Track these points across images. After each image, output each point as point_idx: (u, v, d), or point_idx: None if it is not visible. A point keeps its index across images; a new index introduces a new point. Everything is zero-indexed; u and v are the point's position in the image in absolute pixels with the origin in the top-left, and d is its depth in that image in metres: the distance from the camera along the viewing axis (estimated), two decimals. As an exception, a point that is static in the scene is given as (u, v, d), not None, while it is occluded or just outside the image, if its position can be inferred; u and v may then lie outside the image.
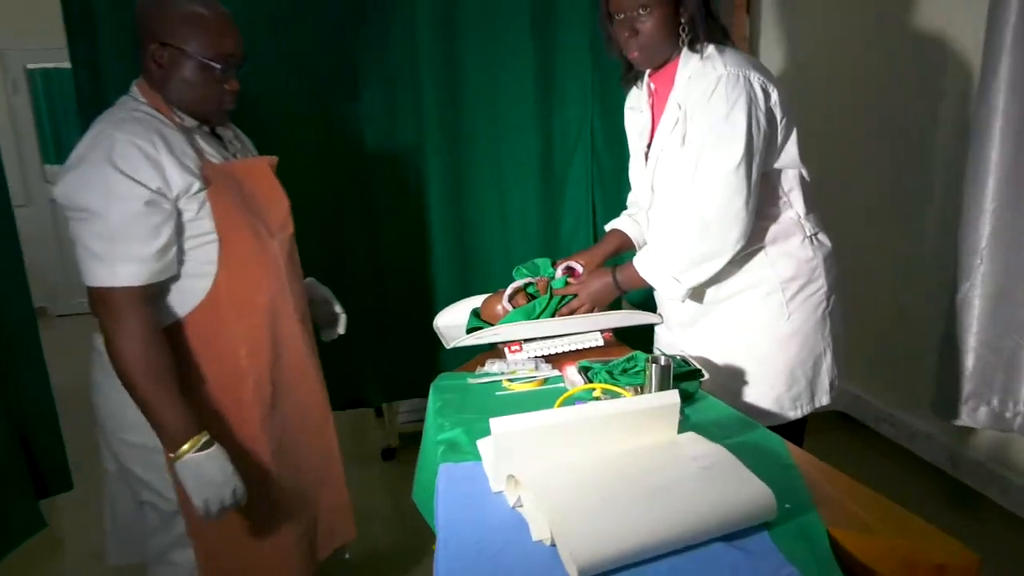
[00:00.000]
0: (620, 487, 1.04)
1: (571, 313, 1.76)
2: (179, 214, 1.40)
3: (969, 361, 2.23)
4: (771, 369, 1.68)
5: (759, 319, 1.67)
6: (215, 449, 1.40)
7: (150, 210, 1.35)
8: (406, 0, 2.39)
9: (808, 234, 1.67)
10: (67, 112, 5.81)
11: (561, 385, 1.58)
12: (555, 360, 1.72)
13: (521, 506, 1.10)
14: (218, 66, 1.43)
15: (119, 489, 1.59)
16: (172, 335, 1.44)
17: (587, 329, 1.76)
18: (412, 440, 2.99)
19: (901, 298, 2.72)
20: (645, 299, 1.98)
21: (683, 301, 1.67)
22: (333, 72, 2.37)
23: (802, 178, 1.64)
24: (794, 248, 1.65)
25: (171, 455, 1.38)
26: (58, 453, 2.22)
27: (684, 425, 1.22)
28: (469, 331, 1.71)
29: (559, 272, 1.84)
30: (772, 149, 1.58)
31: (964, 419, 2.27)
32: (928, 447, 2.66)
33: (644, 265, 1.67)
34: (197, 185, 1.40)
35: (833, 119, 2.88)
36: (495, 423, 1.09)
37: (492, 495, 1.16)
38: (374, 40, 2.38)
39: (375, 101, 2.42)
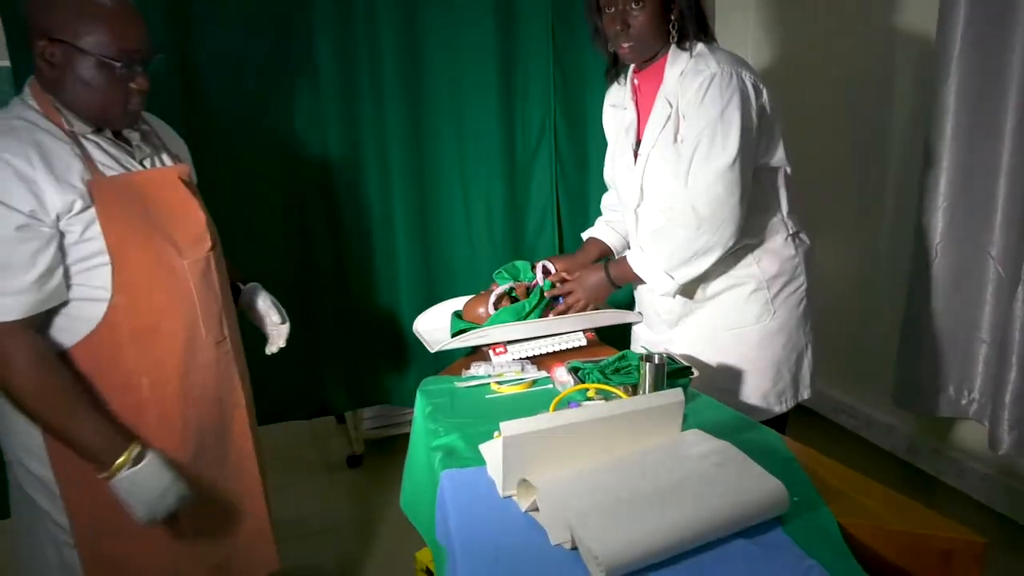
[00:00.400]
0: (636, 488, 1.04)
1: (567, 310, 1.75)
2: (61, 236, 1.26)
3: (926, 353, 2.32)
4: (758, 365, 1.70)
5: (746, 316, 1.69)
6: (149, 458, 1.32)
7: (23, 235, 1.22)
8: None
9: (791, 232, 1.70)
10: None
11: (550, 387, 1.57)
12: (540, 361, 1.71)
13: (535, 510, 1.08)
14: (119, 63, 1.28)
15: (21, 521, 1.47)
16: (64, 364, 1.31)
17: (572, 329, 1.76)
18: (377, 447, 2.95)
19: (859, 292, 2.80)
20: (628, 301, 1.98)
21: (673, 297, 1.68)
22: (293, 73, 2.31)
23: (787, 176, 1.67)
24: (778, 246, 1.68)
25: (103, 475, 1.29)
26: None
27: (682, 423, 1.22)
28: (454, 334, 1.68)
29: (539, 274, 1.83)
30: (762, 147, 1.60)
31: (922, 407, 2.36)
32: (886, 436, 2.75)
33: (637, 261, 1.67)
34: (80, 203, 1.26)
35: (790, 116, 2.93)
36: (505, 427, 1.07)
37: (500, 500, 1.14)
38: (334, 39, 2.33)
39: (337, 102, 2.37)
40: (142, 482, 1.30)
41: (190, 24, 2.17)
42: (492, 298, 1.77)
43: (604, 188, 2.76)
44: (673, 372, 1.48)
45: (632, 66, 1.72)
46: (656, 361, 1.39)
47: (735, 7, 3.08)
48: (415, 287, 2.56)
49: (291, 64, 2.30)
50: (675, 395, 1.18)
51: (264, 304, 1.66)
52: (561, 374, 1.56)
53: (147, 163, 1.43)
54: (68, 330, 1.33)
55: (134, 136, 1.42)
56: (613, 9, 1.57)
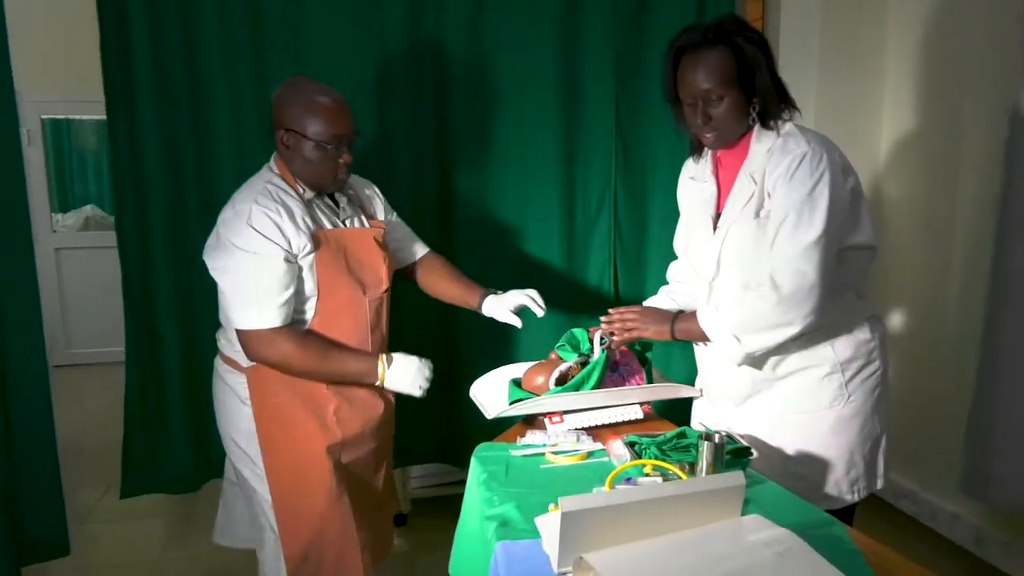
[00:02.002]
0: (695, 573, 1.02)
1: (626, 333, 1.73)
2: (300, 269, 1.73)
3: (996, 440, 2.23)
4: (831, 452, 1.65)
5: (819, 400, 1.65)
6: (396, 358, 1.81)
7: (286, 266, 1.69)
8: (440, 58, 2.49)
9: (867, 315, 1.67)
10: (73, 162, 5.87)
11: (605, 459, 1.56)
12: (595, 433, 1.70)
13: (591, 590, 1.07)
14: (330, 146, 1.73)
15: (230, 485, 1.98)
16: (273, 369, 1.77)
17: (629, 401, 1.75)
18: (424, 505, 2.94)
19: (925, 372, 2.72)
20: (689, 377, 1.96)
21: (739, 365, 1.64)
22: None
23: (871, 258, 1.64)
24: (855, 329, 1.64)
25: (377, 384, 1.80)
26: (57, 517, 2.16)
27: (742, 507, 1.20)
28: (512, 402, 1.69)
29: (596, 345, 1.82)
30: (848, 228, 1.58)
31: (992, 499, 2.26)
32: (951, 526, 2.63)
33: (708, 319, 1.63)
34: (308, 247, 1.72)
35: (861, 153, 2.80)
36: (564, 502, 1.06)
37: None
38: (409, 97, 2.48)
39: (408, 155, 2.50)
40: (400, 372, 1.80)
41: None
42: (555, 374, 1.77)
43: (661, 258, 2.82)
44: (733, 452, 1.46)
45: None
46: (716, 440, 1.38)
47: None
48: (472, 350, 2.60)
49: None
50: (736, 478, 1.17)
51: (516, 296, 1.98)
52: (617, 447, 1.55)
53: (348, 222, 1.88)
54: None
55: (343, 199, 1.89)
56: (692, 102, 1.58)
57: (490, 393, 1.78)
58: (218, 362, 1.90)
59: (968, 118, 2.49)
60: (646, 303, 1.98)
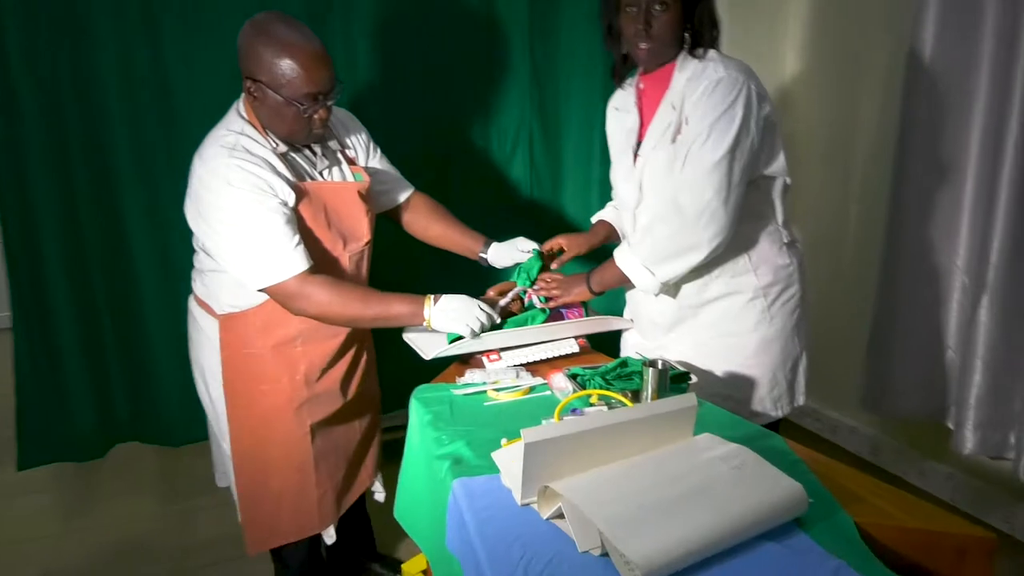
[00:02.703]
0: (660, 493, 1.04)
1: (553, 302, 1.80)
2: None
3: (894, 358, 2.39)
4: (755, 372, 1.73)
5: (743, 324, 1.71)
6: (443, 298, 1.66)
7: (283, 214, 1.57)
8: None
9: (786, 241, 1.73)
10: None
11: (548, 393, 1.57)
12: (533, 368, 1.70)
13: (558, 517, 1.07)
14: (303, 105, 1.55)
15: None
16: (246, 319, 1.71)
17: (567, 335, 1.76)
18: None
19: (824, 298, 2.87)
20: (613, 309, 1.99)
21: (656, 295, 1.69)
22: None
23: (785, 186, 1.70)
24: (774, 255, 1.71)
25: (425, 323, 1.67)
26: None
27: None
28: (452, 341, 1.66)
29: (535, 302, 1.83)
30: (763, 157, 1.62)
31: (890, 410, 2.44)
32: (850, 438, 2.83)
33: (622, 257, 1.68)
34: (292, 199, 1.60)
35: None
36: (526, 434, 1.06)
37: (519, 508, 1.12)
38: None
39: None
40: (445, 310, 1.65)
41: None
42: (510, 296, 1.79)
43: (577, 193, 2.84)
44: (673, 377, 1.49)
45: (639, 70, 1.73)
46: (659, 366, 1.40)
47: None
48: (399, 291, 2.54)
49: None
50: (689, 399, 1.19)
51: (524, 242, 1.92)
52: (559, 380, 1.55)
53: (325, 173, 1.73)
54: (252, 296, 1.67)
55: (319, 147, 1.72)
56: (635, 8, 1.57)
57: (423, 335, 1.74)
58: (192, 303, 1.81)
59: (868, 55, 2.60)
60: (594, 217, 2.00)
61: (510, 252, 1.90)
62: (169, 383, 2.51)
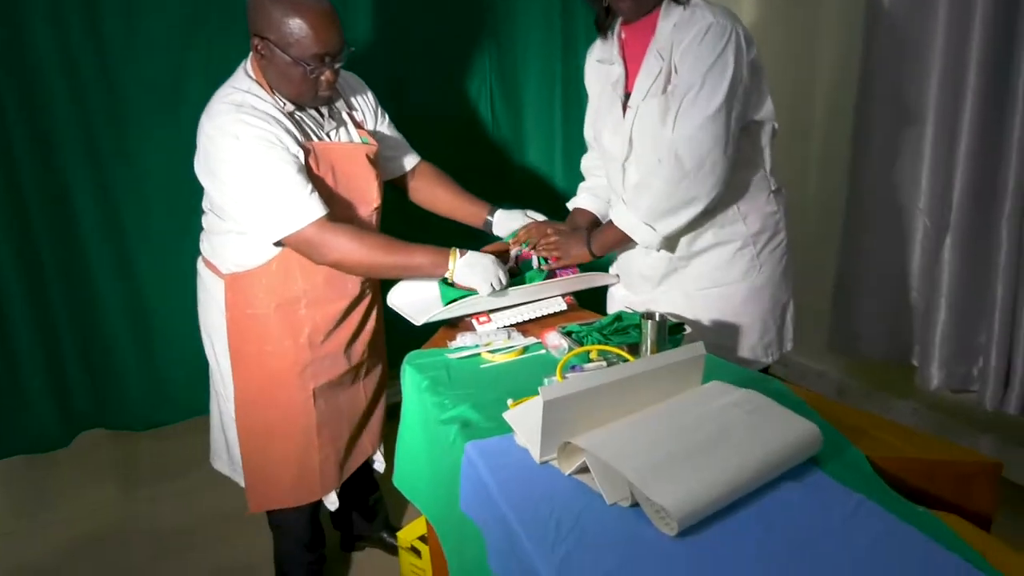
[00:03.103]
0: (682, 441, 1.05)
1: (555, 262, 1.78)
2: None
3: (861, 300, 2.46)
4: (745, 320, 1.74)
5: (733, 273, 1.72)
6: (468, 254, 1.65)
7: (294, 164, 1.55)
8: None
9: (772, 188, 1.74)
10: None
11: (542, 352, 1.56)
12: (523, 328, 1.69)
13: (582, 472, 1.07)
14: (311, 66, 1.53)
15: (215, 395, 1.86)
16: (250, 279, 1.68)
17: (554, 294, 1.75)
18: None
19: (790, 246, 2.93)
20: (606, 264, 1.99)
21: (657, 250, 1.69)
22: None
23: (774, 131, 1.71)
24: (761, 203, 1.72)
25: (448, 275, 1.65)
26: None
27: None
28: (449, 302, 1.63)
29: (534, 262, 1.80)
30: (752, 102, 1.62)
31: (858, 352, 2.51)
32: (818, 382, 2.92)
33: (620, 216, 1.67)
34: (303, 154, 1.58)
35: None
36: (544, 391, 1.05)
37: (538, 467, 1.12)
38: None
39: None
40: (471, 264, 1.64)
41: None
42: (515, 252, 1.78)
43: (540, 149, 2.82)
44: (669, 328, 1.50)
45: (619, 20, 1.70)
46: (657, 319, 1.40)
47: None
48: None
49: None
50: (697, 348, 1.20)
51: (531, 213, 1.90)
52: (553, 338, 1.54)
53: (332, 134, 1.71)
54: (259, 254, 1.67)
55: (326, 108, 1.69)
56: None
57: (410, 302, 1.71)
58: (200, 265, 1.80)
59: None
60: (571, 204, 1.96)
61: (517, 220, 1.88)
62: (130, 366, 2.43)
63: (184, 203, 2.06)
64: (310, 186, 1.57)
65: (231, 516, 2.01)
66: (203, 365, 1.88)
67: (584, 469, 1.06)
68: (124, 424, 2.55)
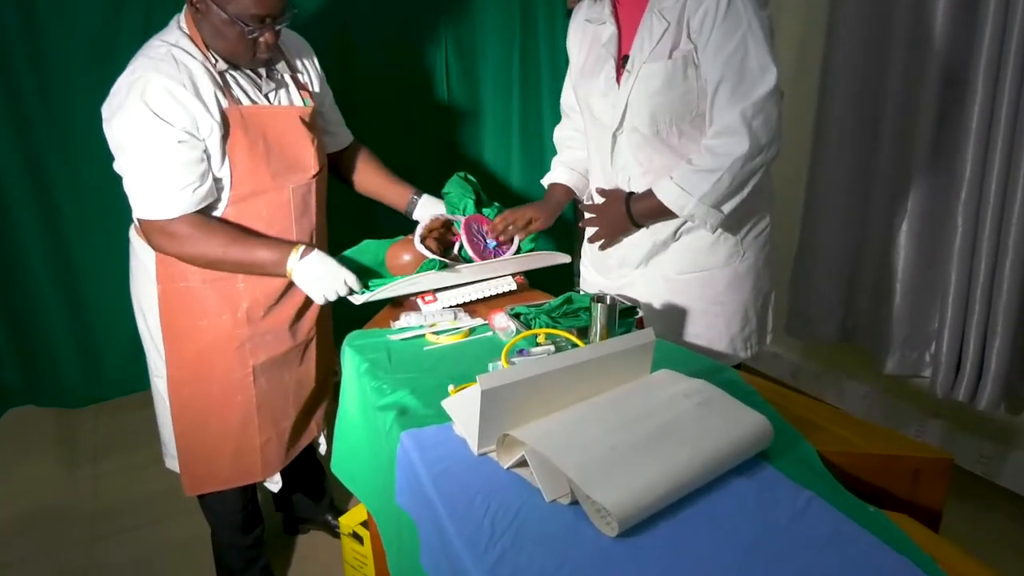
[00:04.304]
0: (627, 434, 0.99)
1: (593, 241, 1.68)
2: (207, 152, 1.50)
3: (816, 285, 2.45)
4: (727, 309, 1.65)
5: (715, 258, 1.63)
6: (314, 254, 1.56)
7: (181, 148, 1.45)
8: None
9: None
10: None
11: (489, 334, 1.49)
12: (471, 308, 1.62)
13: (521, 466, 1.01)
14: (249, 26, 1.45)
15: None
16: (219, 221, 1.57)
17: (504, 272, 1.68)
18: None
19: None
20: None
21: (714, 232, 1.56)
22: None
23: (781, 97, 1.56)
24: None
25: (287, 276, 1.56)
26: None
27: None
28: (376, 288, 1.55)
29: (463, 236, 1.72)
30: None
31: (813, 335, 2.50)
32: (772, 364, 2.91)
33: (673, 195, 1.51)
34: (218, 129, 1.49)
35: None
36: (482, 380, 0.98)
37: (475, 459, 1.06)
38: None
39: None
40: (309, 269, 1.55)
41: None
42: (418, 233, 1.67)
43: (496, 123, 2.73)
44: (620, 312, 1.44)
45: None
46: (608, 302, 1.34)
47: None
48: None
49: None
50: (647, 335, 1.15)
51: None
52: (501, 320, 1.48)
53: (271, 96, 1.61)
54: None
55: (263, 71, 1.59)
56: None
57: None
58: (132, 233, 1.69)
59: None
60: (546, 180, 1.85)
61: (439, 208, 1.80)
62: (61, 340, 2.30)
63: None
64: (190, 178, 1.48)
65: (174, 494, 1.92)
66: (139, 339, 1.78)
67: (524, 463, 1.00)
68: (57, 400, 2.43)
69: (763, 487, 0.98)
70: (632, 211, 1.59)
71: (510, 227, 1.72)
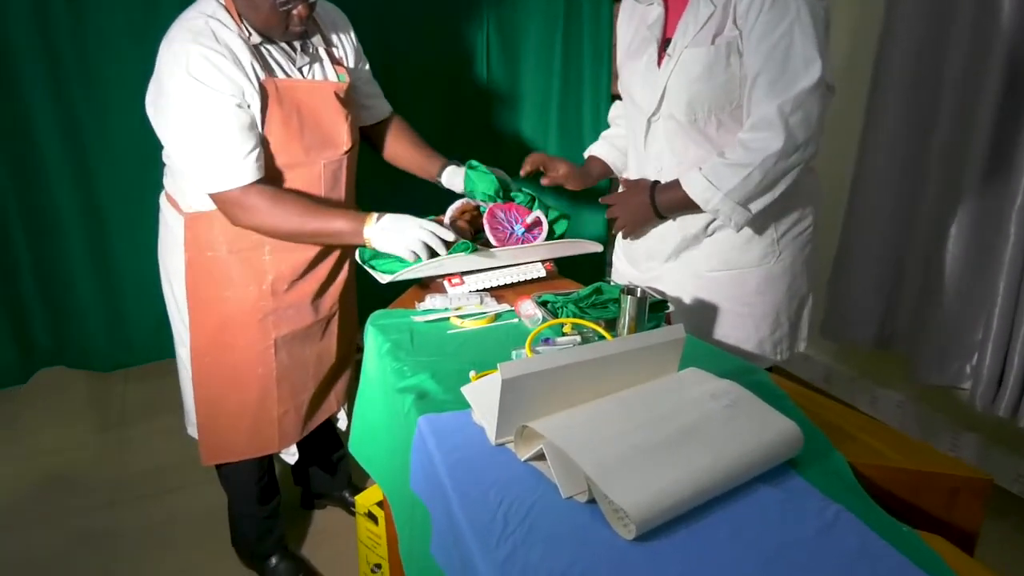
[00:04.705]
0: (650, 433, 0.96)
1: (615, 231, 1.64)
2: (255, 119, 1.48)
3: (855, 287, 2.37)
4: (757, 311, 1.58)
5: (748, 257, 1.55)
6: (387, 217, 1.52)
7: (239, 114, 1.44)
8: None
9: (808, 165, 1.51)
10: None
11: (515, 321, 1.46)
12: (497, 294, 1.59)
13: (537, 459, 0.98)
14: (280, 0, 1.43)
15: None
16: (210, 220, 1.58)
17: (532, 259, 1.64)
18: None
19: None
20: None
21: (737, 231, 1.50)
22: None
23: (830, 91, 1.48)
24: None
25: (367, 243, 1.53)
26: None
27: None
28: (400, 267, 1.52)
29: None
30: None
31: (850, 338, 2.43)
32: (804, 367, 2.84)
33: (700, 188, 1.45)
34: (257, 100, 1.47)
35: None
36: (504, 368, 0.95)
37: (493, 449, 1.03)
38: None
39: None
40: (388, 229, 1.50)
41: None
42: (448, 215, 1.64)
43: (537, 114, 2.69)
44: (650, 305, 1.40)
45: None
46: (638, 295, 1.30)
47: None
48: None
49: None
50: (677, 331, 1.10)
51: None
52: (527, 307, 1.45)
53: (304, 70, 1.58)
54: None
55: (297, 45, 1.56)
56: None
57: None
58: (162, 199, 1.69)
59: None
60: (587, 152, 1.82)
61: (460, 175, 1.75)
62: (91, 303, 2.33)
63: (152, 134, 1.94)
64: (250, 144, 1.47)
65: (195, 462, 1.93)
66: (165, 307, 1.79)
67: (542, 456, 0.97)
68: (85, 363, 2.46)
69: (789, 497, 0.93)
70: (656, 201, 1.54)
71: (540, 167, 1.69)
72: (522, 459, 1.00)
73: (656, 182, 1.56)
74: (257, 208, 1.50)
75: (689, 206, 1.49)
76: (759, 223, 1.52)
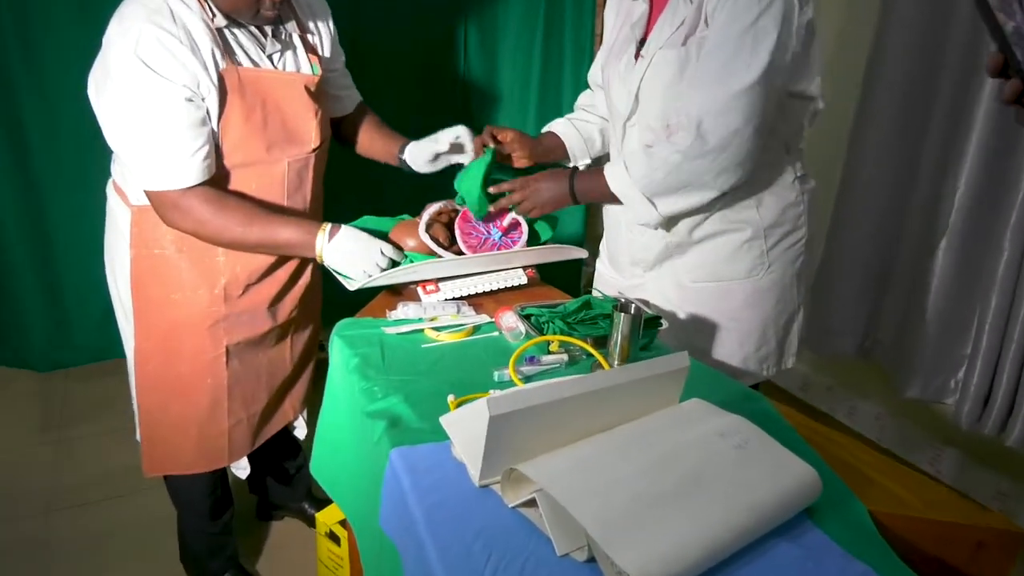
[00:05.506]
0: (654, 480, 0.85)
1: (504, 206, 1.49)
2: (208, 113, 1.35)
3: (837, 299, 2.31)
4: (743, 325, 1.49)
5: (736, 268, 1.46)
6: (342, 232, 1.41)
7: (189, 108, 1.30)
8: None
9: (798, 174, 1.46)
10: None
11: (495, 334, 1.34)
12: (476, 302, 1.47)
13: (528, 506, 0.87)
14: None
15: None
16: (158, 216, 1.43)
17: (513, 265, 1.52)
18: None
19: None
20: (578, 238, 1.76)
21: (655, 228, 1.44)
22: None
23: (816, 112, 1.42)
24: (782, 189, 1.43)
25: (317, 259, 1.43)
26: None
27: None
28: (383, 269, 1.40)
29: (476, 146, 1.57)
30: (800, 72, 1.34)
31: (831, 350, 2.37)
32: (781, 375, 2.76)
33: (617, 177, 1.37)
34: (214, 90, 1.33)
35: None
36: (492, 403, 0.83)
37: (476, 491, 0.91)
38: None
39: None
40: (341, 248, 1.40)
41: None
42: (423, 220, 1.50)
43: (514, 104, 2.57)
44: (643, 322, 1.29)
45: None
46: (632, 311, 1.19)
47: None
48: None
49: None
50: (681, 359, 1.00)
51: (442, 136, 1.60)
52: (509, 320, 1.33)
53: (274, 59, 1.44)
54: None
55: (268, 30, 1.42)
56: None
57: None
58: (109, 189, 1.55)
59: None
60: (546, 128, 1.68)
61: (429, 149, 1.61)
62: (31, 300, 2.15)
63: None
64: (198, 143, 1.33)
65: (140, 468, 1.78)
66: (112, 304, 1.63)
67: (533, 502, 0.85)
68: (22, 362, 2.28)
69: (809, 555, 0.83)
70: (575, 187, 1.44)
71: (489, 137, 1.57)
72: (510, 505, 0.88)
73: (575, 168, 1.47)
74: (196, 213, 1.36)
75: (606, 197, 1.42)
76: (749, 232, 1.43)
